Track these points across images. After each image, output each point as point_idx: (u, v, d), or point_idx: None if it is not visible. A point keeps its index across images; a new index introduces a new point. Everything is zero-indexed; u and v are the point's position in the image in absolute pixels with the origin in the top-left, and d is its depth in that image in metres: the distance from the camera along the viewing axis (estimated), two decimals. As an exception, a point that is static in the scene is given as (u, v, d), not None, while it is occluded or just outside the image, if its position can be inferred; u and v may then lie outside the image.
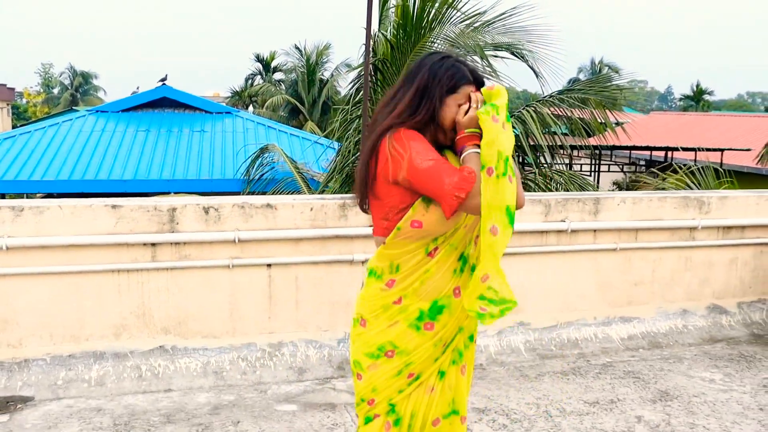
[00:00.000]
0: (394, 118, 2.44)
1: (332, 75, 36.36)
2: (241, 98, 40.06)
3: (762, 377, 4.97)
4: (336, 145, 15.76)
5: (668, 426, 4.16)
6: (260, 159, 12.36)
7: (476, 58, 8.50)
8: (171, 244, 4.72)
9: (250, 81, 41.57)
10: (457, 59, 2.51)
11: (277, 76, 40.99)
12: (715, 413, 4.36)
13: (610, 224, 5.60)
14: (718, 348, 5.56)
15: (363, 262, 5.05)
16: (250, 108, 36.17)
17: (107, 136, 15.34)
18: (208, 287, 4.84)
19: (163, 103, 16.83)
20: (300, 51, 36.03)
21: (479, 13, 8.47)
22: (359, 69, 8.85)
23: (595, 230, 5.58)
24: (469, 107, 2.40)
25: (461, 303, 2.49)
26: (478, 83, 2.50)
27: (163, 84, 17.03)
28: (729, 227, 5.98)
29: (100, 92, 62.61)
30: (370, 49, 5.23)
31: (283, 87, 38.58)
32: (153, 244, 4.69)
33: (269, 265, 4.91)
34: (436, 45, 8.31)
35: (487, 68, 8.41)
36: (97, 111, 17.09)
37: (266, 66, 41.24)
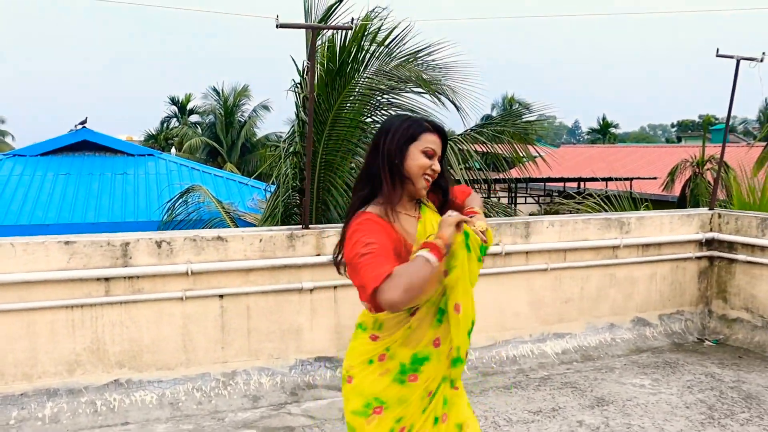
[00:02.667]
0: (358, 198, 2.57)
1: (250, 117, 36.49)
2: (157, 141, 39.69)
3: (686, 380, 5.37)
4: (260, 184, 15.86)
5: (607, 428, 4.49)
6: (185, 199, 12.38)
7: (396, 95, 8.86)
8: (124, 278, 4.82)
9: (165, 124, 41.28)
10: (412, 116, 2.64)
11: (194, 118, 40.83)
12: (648, 414, 4.71)
13: (540, 246, 5.96)
14: (644, 357, 5.95)
15: (311, 291, 5.25)
16: (172, 150, 35.90)
17: (26, 181, 15.04)
18: (162, 320, 4.94)
19: (84, 146, 16.60)
20: (218, 93, 36.06)
21: (398, 46, 8.78)
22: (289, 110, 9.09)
23: (527, 252, 5.93)
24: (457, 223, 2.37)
25: (441, 353, 2.54)
26: (438, 130, 2.57)
27: (83, 127, 16.84)
28: (648, 245, 6.43)
29: (8, 137, 60.77)
30: (314, 83, 5.47)
31: (199, 129, 38.43)
32: (107, 279, 4.78)
33: (221, 296, 5.05)
34: (362, 81, 8.61)
35: (412, 104, 8.75)
36: (14, 155, 16.76)
37: (182, 108, 41.06)
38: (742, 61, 6.32)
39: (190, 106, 40.81)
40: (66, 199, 14.40)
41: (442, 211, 2.55)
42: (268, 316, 5.18)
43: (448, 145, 9.12)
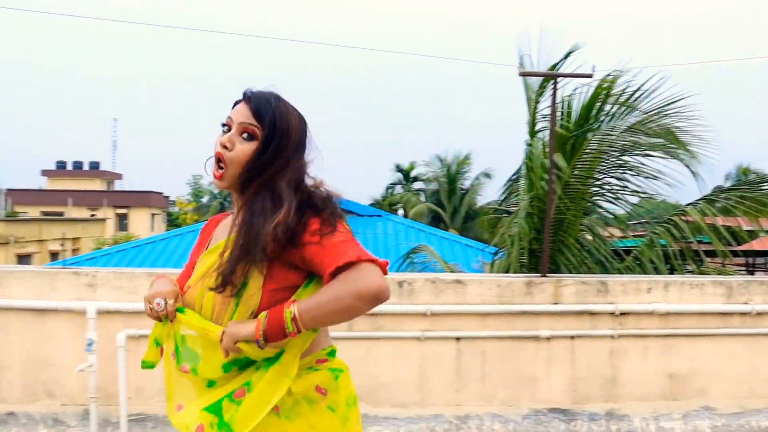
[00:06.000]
0: None
1: (472, 184, 37.03)
2: (382, 207, 41.30)
3: None
4: (484, 246, 15.93)
5: None
6: (411, 259, 12.71)
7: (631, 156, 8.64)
8: (367, 314, 5.01)
9: (390, 190, 42.89)
10: None
11: (417, 185, 42.10)
12: None
13: (797, 309, 5.50)
14: None
15: (548, 339, 5.18)
16: (399, 212, 37.16)
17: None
18: (400, 358, 5.08)
19: (318, 205, 17.62)
20: (441, 161, 37.07)
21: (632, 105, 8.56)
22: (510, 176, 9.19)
23: (781, 313, 5.49)
24: None
25: None
26: (246, 96, 2.04)
27: (318, 188, 17.88)
28: None
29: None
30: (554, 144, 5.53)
31: (422, 196, 39.54)
32: (351, 315, 5.00)
33: (458, 339, 5.12)
34: (596, 139, 8.50)
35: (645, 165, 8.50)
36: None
37: (406, 176, 42.52)
38: None
39: (413, 173, 42.20)
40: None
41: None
42: (503, 362, 5.17)
43: (676, 219, 8.71)
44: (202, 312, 2.00)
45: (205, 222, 2.34)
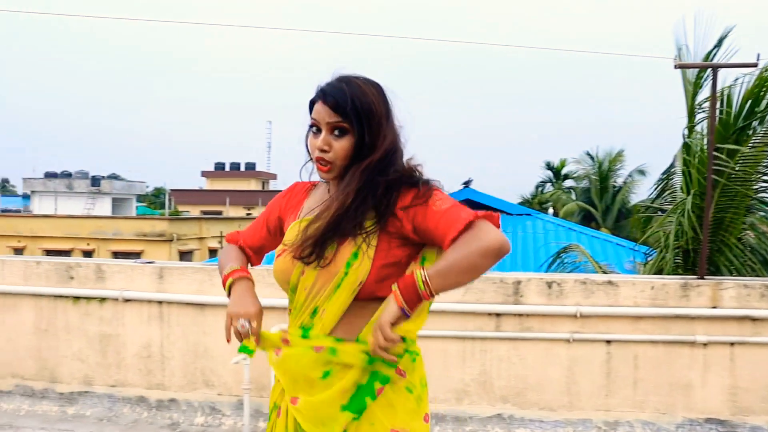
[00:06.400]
0: None
1: (625, 182, 35.81)
2: (531, 205, 40.68)
3: None
4: (637, 246, 15.39)
5: None
6: (561, 259, 12.44)
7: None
8: (514, 315, 4.95)
9: (540, 188, 42.20)
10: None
11: (567, 183, 41.21)
12: None
13: None
14: None
15: (705, 345, 4.92)
16: (550, 211, 36.56)
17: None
18: (548, 360, 4.98)
19: (468, 204, 17.56)
20: (591, 158, 36.09)
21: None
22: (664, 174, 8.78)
23: None
24: None
25: None
26: (326, 94, 2.01)
27: (467, 186, 17.87)
28: None
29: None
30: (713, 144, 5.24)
31: (573, 194, 38.65)
32: (497, 315, 4.96)
33: (608, 342, 4.95)
34: (759, 134, 8.00)
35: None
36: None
37: (556, 173, 41.69)
38: None
39: (564, 171, 41.32)
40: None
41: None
42: (656, 367, 4.95)
43: None
44: (299, 284, 2.08)
45: (291, 185, 2.36)
